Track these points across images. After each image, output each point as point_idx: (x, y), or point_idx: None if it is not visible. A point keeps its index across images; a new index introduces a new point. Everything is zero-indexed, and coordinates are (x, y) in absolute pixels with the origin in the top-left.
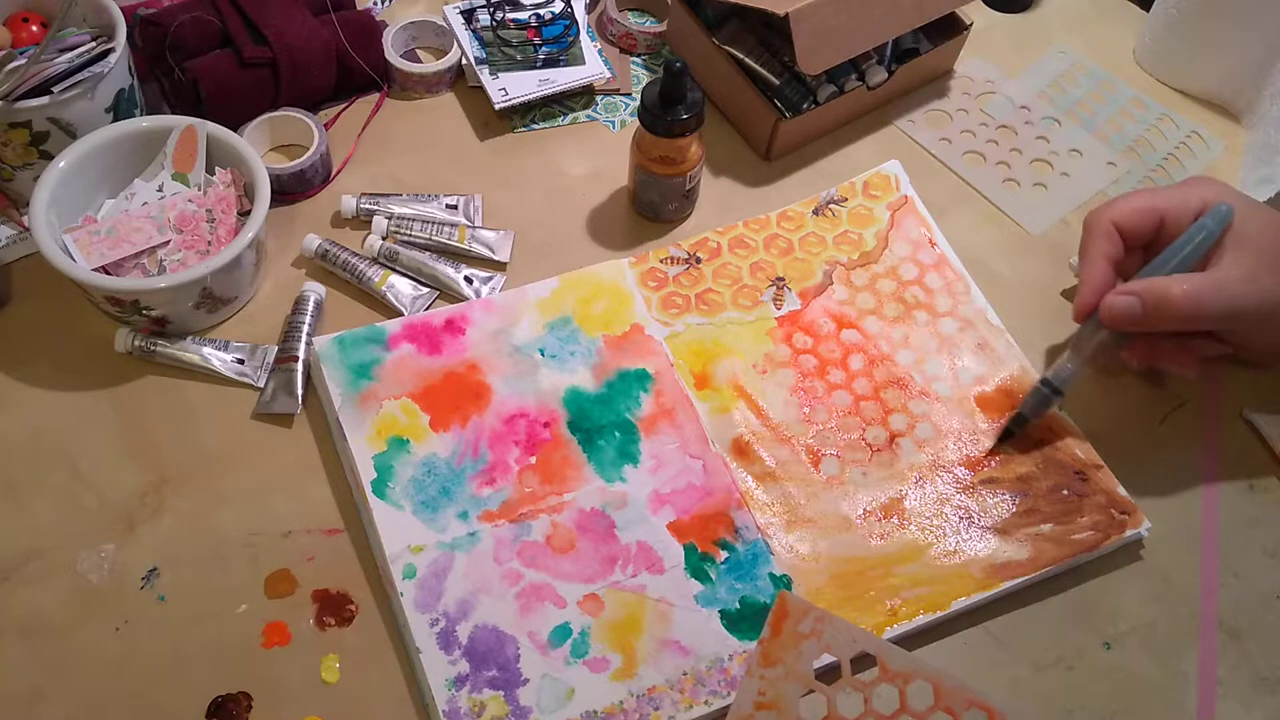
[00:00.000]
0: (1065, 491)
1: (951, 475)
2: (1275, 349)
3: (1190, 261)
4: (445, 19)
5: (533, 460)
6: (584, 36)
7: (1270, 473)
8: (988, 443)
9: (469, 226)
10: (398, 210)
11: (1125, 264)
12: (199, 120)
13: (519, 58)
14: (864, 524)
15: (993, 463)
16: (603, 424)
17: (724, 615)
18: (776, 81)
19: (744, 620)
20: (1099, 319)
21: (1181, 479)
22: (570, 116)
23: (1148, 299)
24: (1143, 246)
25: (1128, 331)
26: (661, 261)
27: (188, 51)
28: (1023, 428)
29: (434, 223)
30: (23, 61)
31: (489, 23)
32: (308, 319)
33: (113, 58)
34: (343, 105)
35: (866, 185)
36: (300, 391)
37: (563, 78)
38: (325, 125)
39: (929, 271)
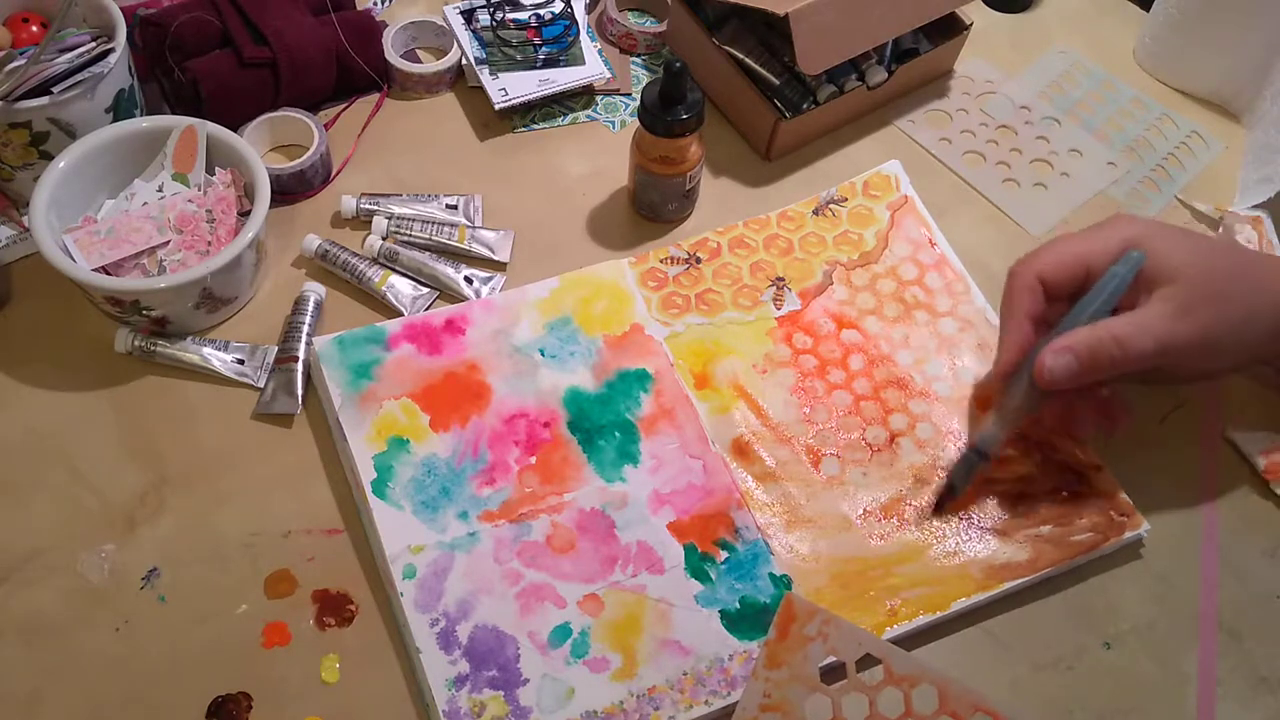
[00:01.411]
0: (1065, 492)
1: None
2: (1210, 374)
3: (1106, 310)
4: (445, 19)
5: (533, 460)
6: (584, 37)
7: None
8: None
9: (469, 227)
10: (398, 210)
11: (1051, 314)
12: (199, 120)
13: (519, 58)
14: (864, 524)
15: (994, 463)
16: (603, 424)
17: (724, 615)
18: (776, 81)
19: (744, 620)
20: (1033, 379)
21: (1181, 479)
22: (570, 116)
23: (1082, 352)
24: (1069, 296)
25: (1051, 392)
26: (661, 261)
27: (188, 51)
28: (953, 497)
29: (434, 223)
30: (23, 62)
31: (489, 23)
32: (308, 319)
33: (113, 58)
34: (343, 105)
35: (866, 185)
36: (300, 392)
37: (563, 78)
38: (325, 125)
39: (929, 271)
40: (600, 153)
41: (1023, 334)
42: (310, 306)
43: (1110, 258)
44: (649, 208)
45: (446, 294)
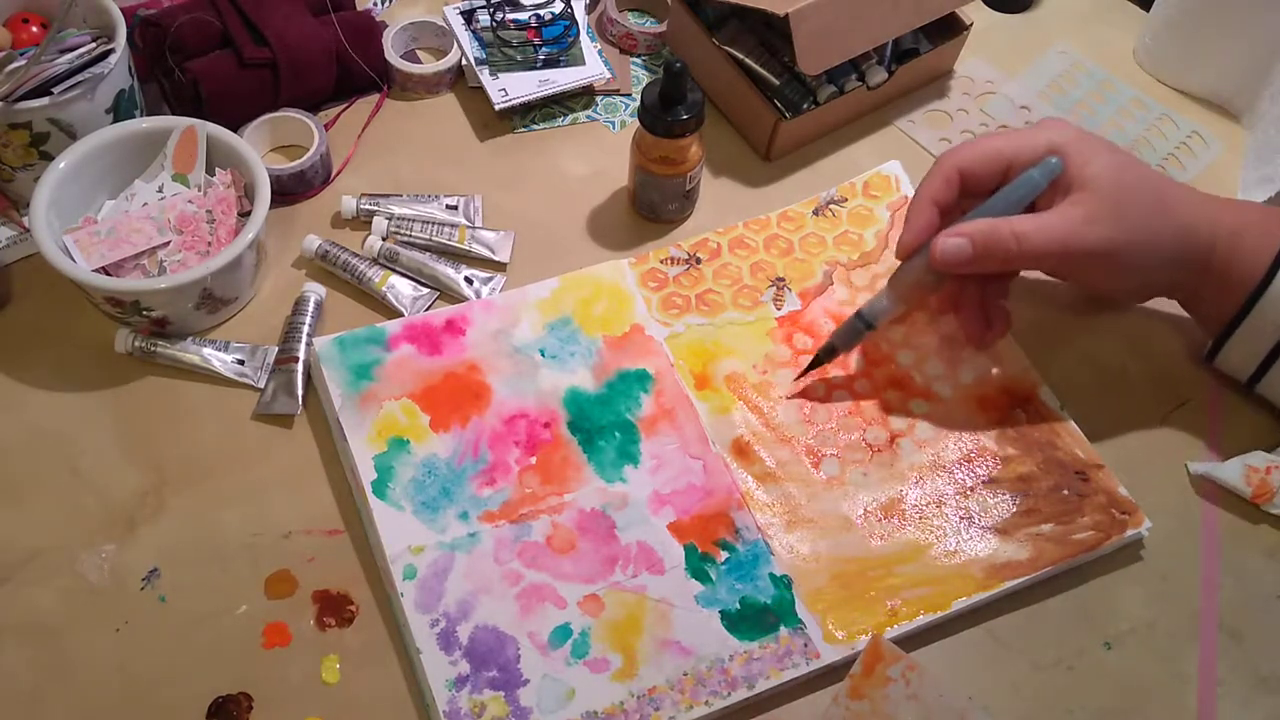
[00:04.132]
0: (1066, 491)
1: (952, 475)
2: (1128, 291)
3: (1015, 209)
4: (445, 19)
5: (533, 461)
6: (584, 37)
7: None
8: (989, 442)
9: (469, 227)
10: (398, 211)
11: (964, 208)
12: (199, 121)
13: (519, 58)
14: (864, 524)
15: (993, 461)
16: (603, 424)
17: (724, 616)
18: (776, 81)
19: (744, 621)
20: (927, 259)
21: (1181, 479)
22: (570, 117)
23: (977, 239)
24: (987, 193)
25: (945, 274)
26: (662, 262)
27: (188, 52)
28: (832, 358)
29: (434, 223)
30: (23, 62)
31: (489, 23)
32: (308, 320)
33: (113, 59)
34: (343, 106)
35: (867, 185)
36: (300, 392)
37: (563, 78)
38: (325, 126)
39: None
40: (600, 153)
41: (927, 217)
42: (310, 307)
43: (1032, 160)
44: (649, 208)
45: (446, 294)
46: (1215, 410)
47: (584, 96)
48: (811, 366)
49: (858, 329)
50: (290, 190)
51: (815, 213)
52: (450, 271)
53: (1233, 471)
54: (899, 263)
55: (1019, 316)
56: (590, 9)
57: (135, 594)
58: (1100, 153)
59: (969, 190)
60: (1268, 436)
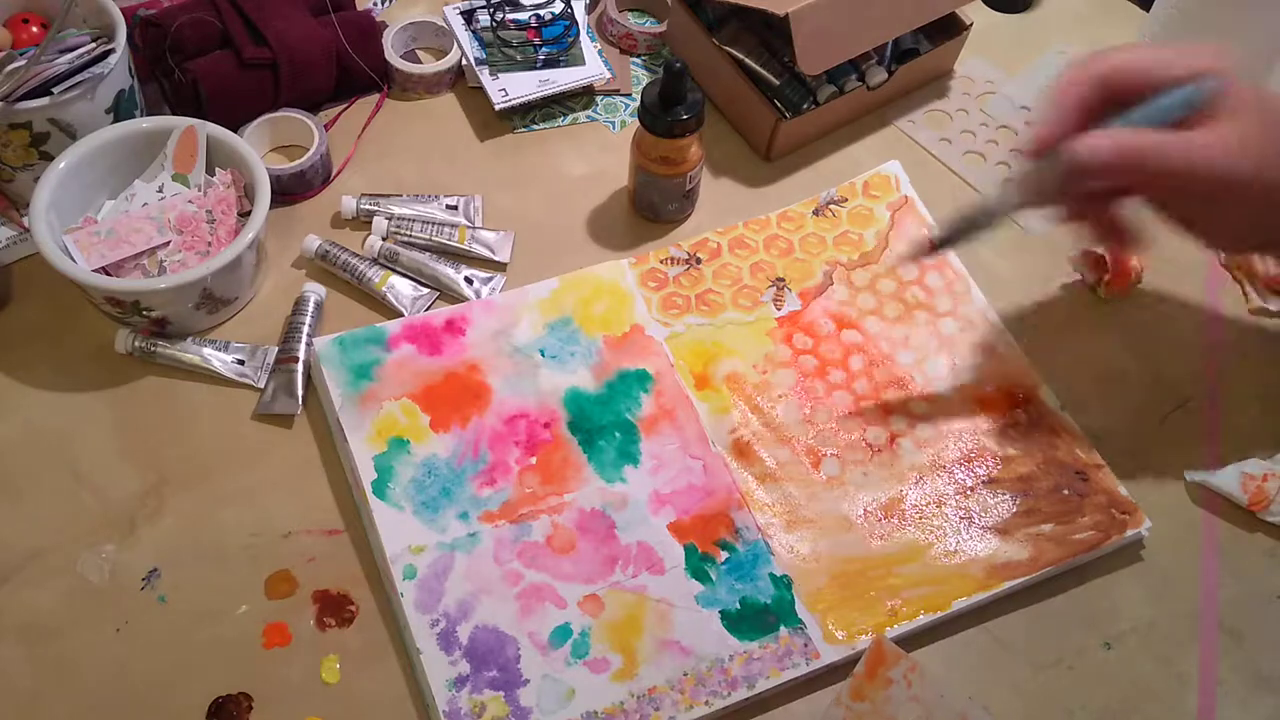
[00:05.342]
0: (1066, 491)
1: (952, 475)
2: (1249, 234)
3: (1161, 122)
4: (445, 20)
5: (533, 461)
6: (584, 37)
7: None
8: (989, 442)
9: (469, 227)
10: (398, 211)
11: (1102, 118)
12: (199, 121)
13: (519, 58)
14: (864, 524)
15: (993, 461)
16: (603, 424)
17: (724, 616)
18: (776, 81)
19: (744, 621)
20: (1063, 157)
21: (1181, 479)
22: (570, 117)
23: (1122, 144)
24: (1127, 105)
25: (1079, 179)
26: (662, 262)
27: (188, 52)
28: (939, 252)
29: (434, 223)
30: (23, 63)
31: (489, 23)
32: (308, 320)
33: (113, 59)
34: (343, 106)
35: (867, 185)
36: (300, 392)
37: (563, 78)
38: (325, 126)
39: (929, 271)
40: (600, 153)
41: (1066, 116)
42: (310, 307)
43: (1185, 78)
44: (649, 208)
45: (447, 294)
46: (1215, 411)
47: (584, 96)
48: (928, 251)
49: (975, 221)
50: (290, 190)
51: (815, 213)
52: (450, 271)
53: (1229, 479)
54: (890, 268)
55: (1018, 317)
56: (590, 9)
57: (135, 594)
58: (1258, 85)
59: (1109, 99)
60: (1267, 437)
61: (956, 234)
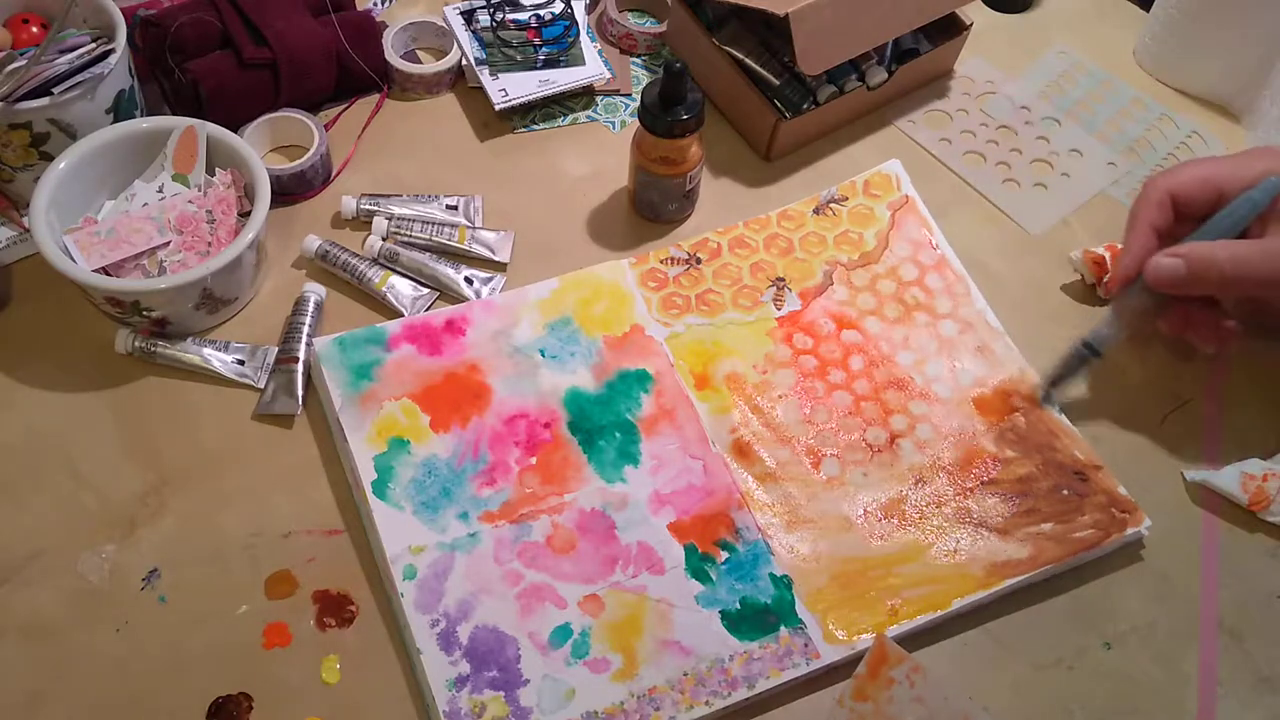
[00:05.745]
0: (1065, 492)
1: (951, 476)
2: None
3: (1233, 231)
4: (445, 20)
5: (533, 461)
6: (584, 37)
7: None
8: (988, 443)
9: (469, 227)
10: (398, 211)
11: (1178, 233)
12: (199, 121)
13: (519, 58)
14: (864, 524)
15: (992, 463)
16: (603, 424)
17: (724, 616)
18: (776, 81)
19: (744, 621)
20: (1143, 280)
21: (1181, 479)
22: (570, 117)
23: (1193, 260)
24: (1200, 218)
25: (1168, 296)
26: (662, 262)
27: (188, 52)
28: (1060, 385)
29: (434, 223)
30: (23, 63)
31: (489, 23)
32: (308, 320)
33: (113, 59)
34: (343, 106)
35: (867, 184)
36: (301, 392)
37: (563, 78)
38: (325, 126)
39: (929, 272)
40: (600, 153)
41: (1146, 242)
42: (310, 307)
43: (1246, 184)
44: (649, 208)
45: (447, 294)
46: (1214, 411)
47: (584, 96)
48: (1045, 400)
49: (1084, 356)
50: (290, 190)
51: (815, 212)
52: (450, 271)
53: (1229, 479)
54: (890, 268)
55: (1018, 318)
56: (590, 9)
57: (135, 594)
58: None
59: (1181, 215)
60: (1266, 437)
61: (1067, 373)
